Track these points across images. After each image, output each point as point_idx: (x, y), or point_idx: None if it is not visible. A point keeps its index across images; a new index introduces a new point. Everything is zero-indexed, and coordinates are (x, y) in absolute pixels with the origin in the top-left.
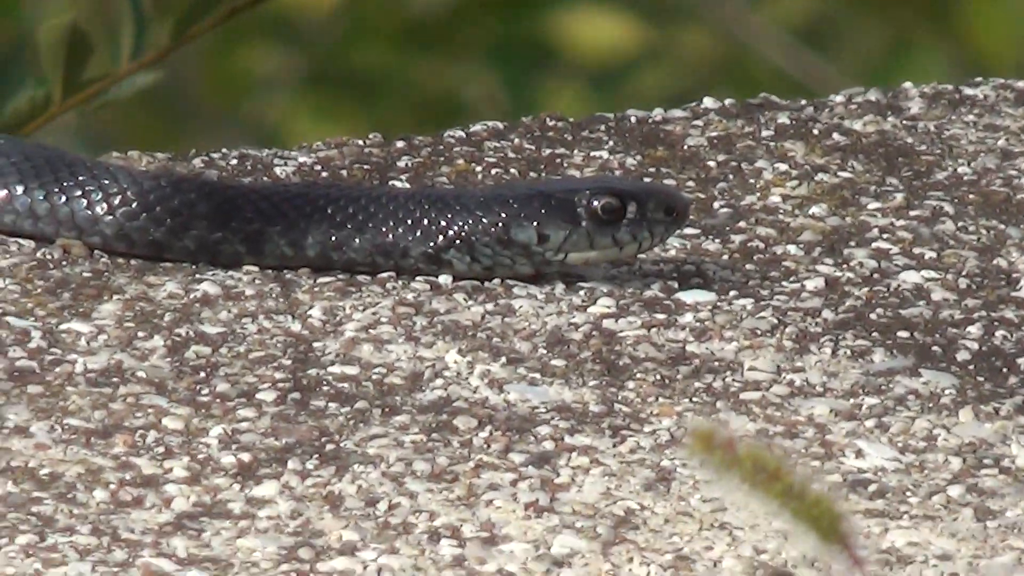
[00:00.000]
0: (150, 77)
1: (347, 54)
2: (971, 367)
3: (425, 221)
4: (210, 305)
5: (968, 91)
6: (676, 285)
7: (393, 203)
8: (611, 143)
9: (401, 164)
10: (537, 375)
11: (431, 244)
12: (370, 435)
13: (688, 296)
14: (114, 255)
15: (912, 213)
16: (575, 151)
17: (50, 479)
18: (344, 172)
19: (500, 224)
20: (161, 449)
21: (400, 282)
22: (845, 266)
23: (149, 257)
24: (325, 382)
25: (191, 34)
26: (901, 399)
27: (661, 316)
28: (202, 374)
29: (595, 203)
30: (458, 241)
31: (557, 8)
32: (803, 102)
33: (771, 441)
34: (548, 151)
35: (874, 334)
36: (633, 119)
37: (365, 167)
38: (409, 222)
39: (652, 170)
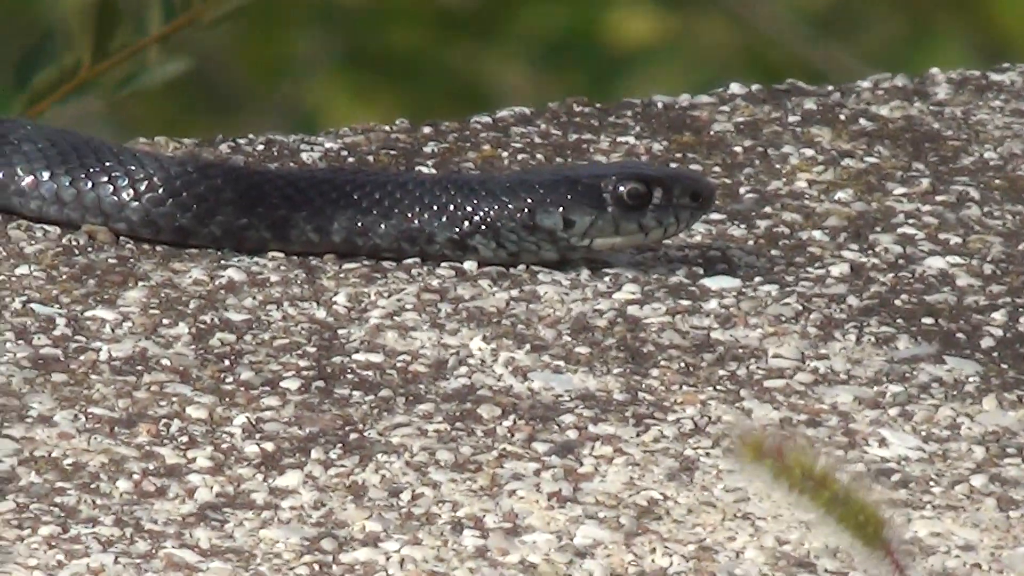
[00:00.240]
0: (180, 65)
1: (384, 38)
2: (995, 354)
3: (451, 207)
4: (235, 292)
5: (995, 77)
6: (701, 271)
7: (419, 189)
8: (637, 128)
9: (427, 150)
10: (561, 363)
11: (456, 230)
12: (394, 424)
13: (713, 282)
14: (140, 241)
15: (938, 198)
16: (601, 136)
17: (73, 469)
18: (371, 158)
19: (526, 210)
20: (185, 438)
21: (425, 268)
22: (870, 252)
23: (175, 243)
24: (349, 370)
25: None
26: (925, 387)
27: (686, 302)
28: (226, 362)
29: (621, 188)
30: (484, 227)
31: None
32: (829, 88)
33: (795, 430)
34: (575, 136)
35: (899, 320)
36: (660, 104)
37: (392, 153)
38: (435, 208)
39: (678, 155)
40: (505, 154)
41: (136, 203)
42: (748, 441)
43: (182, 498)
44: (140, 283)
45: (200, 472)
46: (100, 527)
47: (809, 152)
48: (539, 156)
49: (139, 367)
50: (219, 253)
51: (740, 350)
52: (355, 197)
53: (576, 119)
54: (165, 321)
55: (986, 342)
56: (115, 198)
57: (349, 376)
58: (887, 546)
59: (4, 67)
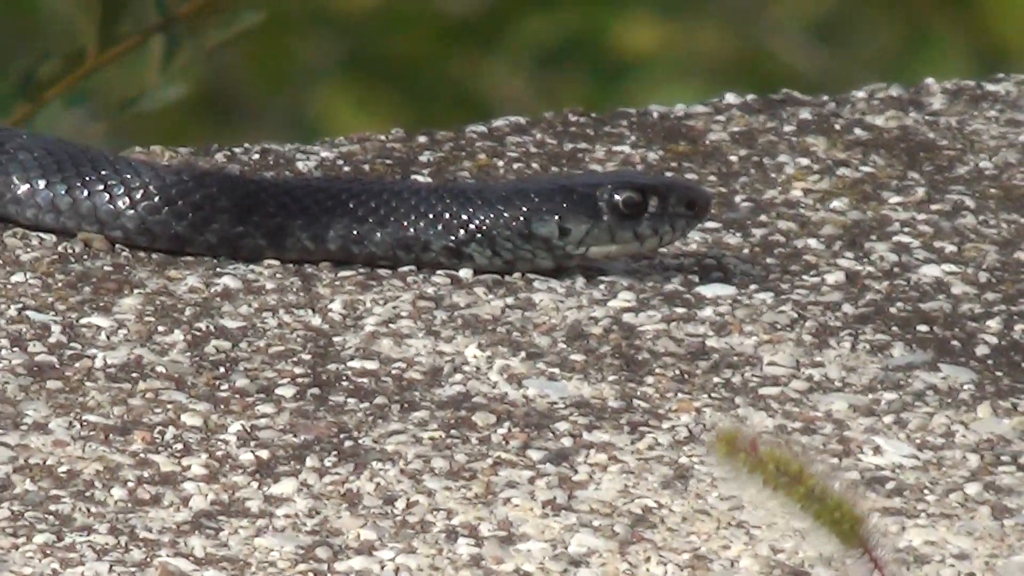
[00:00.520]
0: (181, 88)
1: (386, 47)
2: (990, 362)
3: (446, 215)
4: (230, 299)
5: (990, 87)
6: (696, 279)
7: (414, 197)
8: (633, 138)
9: (423, 159)
10: (556, 370)
11: (452, 238)
12: (389, 431)
13: (708, 290)
14: (135, 249)
15: (933, 207)
16: (597, 146)
17: (68, 477)
18: (366, 167)
19: (521, 218)
20: (179, 446)
21: (421, 276)
22: (866, 260)
23: (170, 251)
24: (344, 377)
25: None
26: (920, 394)
27: (681, 310)
28: (221, 369)
29: (616, 197)
30: (479, 235)
31: (592, 8)
32: (825, 97)
33: (789, 437)
34: (570, 146)
35: (893, 328)
36: (655, 114)
37: (387, 162)
38: (430, 216)
39: (674, 164)
40: (501, 163)
41: (132, 211)
42: (723, 436)
43: (177, 506)
44: (135, 290)
45: (195, 480)
46: (95, 535)
47: (804, 161)
48: (535, 165)
49: (134, 374)
50: (215, 261)
51: (735, 358)
52: (351, 205)
53: (571, 128)
54: (160, 328)
55: (981, 350)
56: (111, 206)
57: (344, 383)
58: (865, 543)
59: (6, 62)
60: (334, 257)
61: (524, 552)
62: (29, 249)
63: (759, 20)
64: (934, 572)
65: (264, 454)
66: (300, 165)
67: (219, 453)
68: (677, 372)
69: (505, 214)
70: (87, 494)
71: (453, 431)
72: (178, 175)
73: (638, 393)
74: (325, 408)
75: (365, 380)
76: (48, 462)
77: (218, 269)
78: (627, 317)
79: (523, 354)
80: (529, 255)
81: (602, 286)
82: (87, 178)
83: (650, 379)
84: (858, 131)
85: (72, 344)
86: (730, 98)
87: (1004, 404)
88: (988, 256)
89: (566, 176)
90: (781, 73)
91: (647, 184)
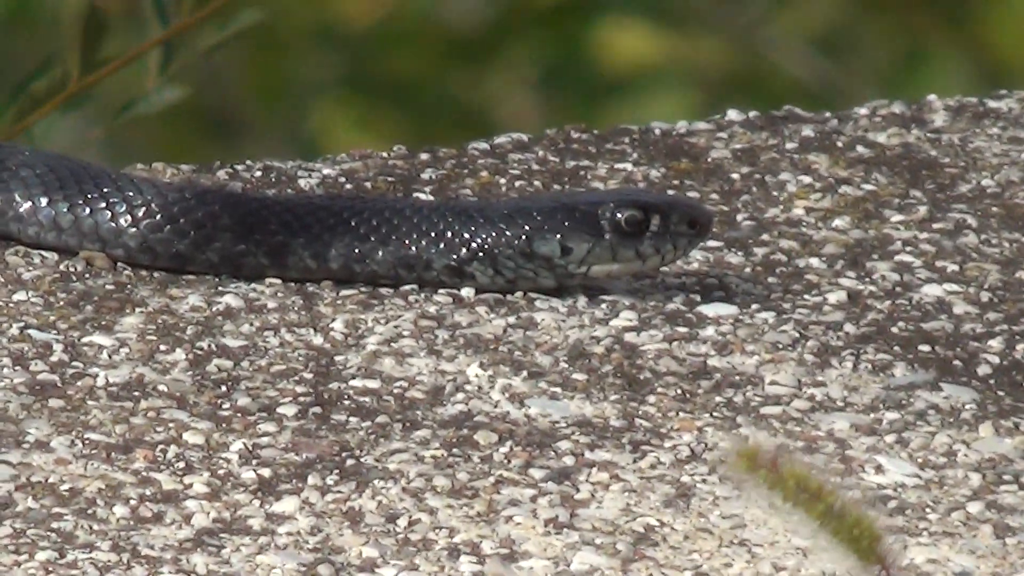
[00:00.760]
0: (178, 92)
1: (386, 64)
2: (992, 381)
3: (448, 234)
4: (232, 318)
5: (992, 104)
6: (698, 298)
7: (416, 215)
8: (635, 155)
9: (425, 176)
10: (558, 389)
11: (454, 257)
12: (391, 450)
13: (710, 309)
14: (137, 267)
15: (935, 226)
16: (599, 163)
17: (70, 495)
18: (368, 184)
19: (523, 237)
20: (181, 464)
21: (422, 295)
22: (867, 279)
23: (172, 270)
24: (346, 396)
25: (210, 10)
26: (921, 414)
27: (683, 329)
28: (223, 388)
29: (618, 216)
30: (481, 254)
31: (593, 23)
32: (827, 115)
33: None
34: (572, 163)
35: (895, 348)
36: (657, 131)
37: (389, 179)
38: (432, 235)
39: (676, 182)
40: (503, 181)
41: (134, 229)
42: (743, 453)
43: (179, 524)
44: (137, 309)
45: (197, 498)
46: (97, 552)
47: (806, 179)
48: (536, 183)
49: (136, 393)
50: (216, 279)
51: (737, 377)
52: (352, 224)
53: (573, 146)
54: (162, 347)
55: (983, 369)
56: (113, 224)
57: (346, 402)
58: (883, 560)
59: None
60: (336, 276)
61: (526, 570)
62: (31, 267)
63: (761, 33)
64: None
65: (266, 472)
66: (302, 182)
67: (221, 471)
68: (679, 391)
69: (507, 233)
70: (89, 512)
71: (455, 450)
72: (180, 193)
73: (640, 412)
74: (327, 427)
75: (367, 399)
76: (50, 480)
77: (220, 288)
78: (629, 336)
79: (525, 373)
80: (531, 274)
81: (604, 305)
82: (89, 196)
83: (652, 398)
84: (860, 148)
85: (74, 363)
86: (732, 115)
87: (1006, 423)
88: (990, 276)
89: (568, 194)
90: (783, 86)
91: (649, 202)
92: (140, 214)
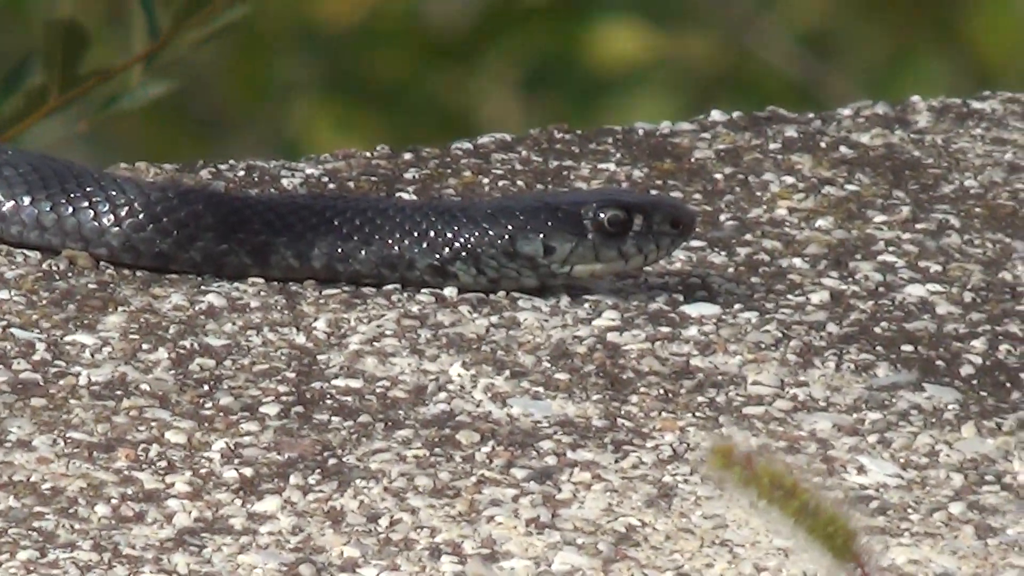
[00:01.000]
0: (163, 86)
1: (367, 64)
2: (974, 382)
3: (431, 233)
4: (215, 317)
5: (976, 104)
6: (681, 298)
7: (399, 215)
8: (618, 155)
9: (408, 176)
10: (540, 389)
11: (437, 256)
12: (372, 450)
13: (693, 309)
14: (120, 267)
15: (918, 226)
16: (582, 163)
17: (52, 494)
18: (351, 184)
19: (506, 236)
20: (163, 463)
21: (405, 294)
22: (850, 279)
23: (155, 269)
24: (328, 395)
25: (196, 21)
26: (904, 414)
27: (666, 329)
28: (206, 387)
29: (601, 215)
30: (464, 253)
31: (579, 22)
32: (810, 115)
33: (775, 456)
34: (555, 163)
35: (878, 348)
36: (640, 131)
37: (372, 179)
38: (415, 234)
39: (659, 182)
40: (486, 181)
41: (116, 228)
42: (718, 451)
43: (160, 523)
44: (120, 308)
45: (178, 497)
46: (78, 552)
47: (790, 179)
48: (520, 183)
49: (118, 392)
50: (199, 279)
51: (719, 377)
52: (335, 223)
53: (557, 146)
54: (145, 346)
55: (965, 370)
56: (95, 223)
57: (328, 402)
58: (858, 559)
59: None
60: (319, 275)
61: (507, 570)
62: (14, 266)
63: (749, 32)
64: None
65: (248, 472)
66: (285, 182)
67: (203, 471)
68: (661, 391)
69: (490, 232)
70: (71, 511)
71: (437, 449)
72: (163, 192)
73: (622, 412)
74: (309, 426)
75: (349, 398)
76: (32, 479)
77: (203, 287)
78: (611, 336)
79: (507, 373)
80: (514, 273)
81: (587, 305)
82: (72, 195)
83: (634, 398)
84: (843, 149)
85: (56, 361)
86: (715, 115)
87: (988, 424)
88: (973, 276)
89: (551, 194)
90: (771, 85)
91: (632, 202)
92: (123, 213)
